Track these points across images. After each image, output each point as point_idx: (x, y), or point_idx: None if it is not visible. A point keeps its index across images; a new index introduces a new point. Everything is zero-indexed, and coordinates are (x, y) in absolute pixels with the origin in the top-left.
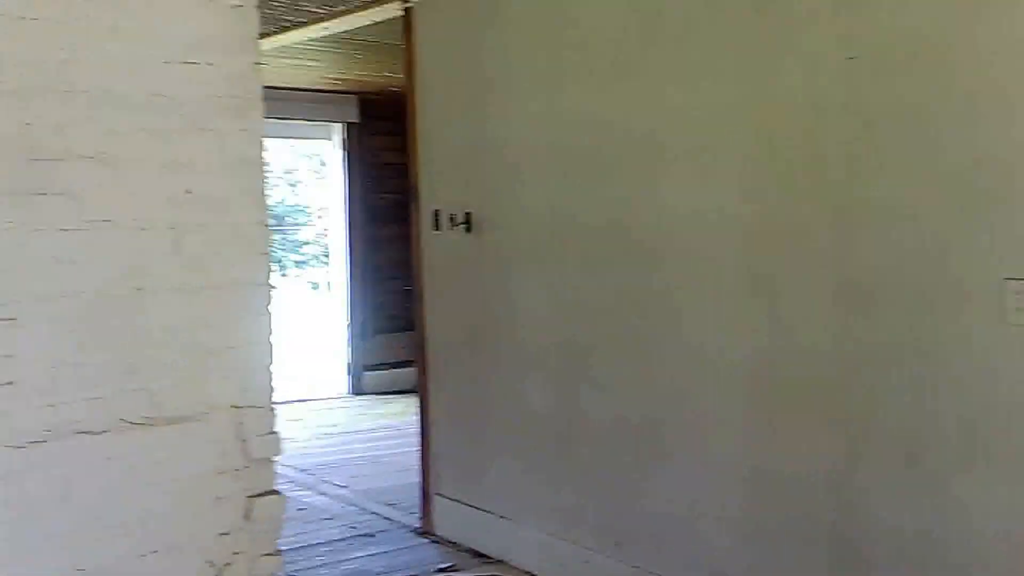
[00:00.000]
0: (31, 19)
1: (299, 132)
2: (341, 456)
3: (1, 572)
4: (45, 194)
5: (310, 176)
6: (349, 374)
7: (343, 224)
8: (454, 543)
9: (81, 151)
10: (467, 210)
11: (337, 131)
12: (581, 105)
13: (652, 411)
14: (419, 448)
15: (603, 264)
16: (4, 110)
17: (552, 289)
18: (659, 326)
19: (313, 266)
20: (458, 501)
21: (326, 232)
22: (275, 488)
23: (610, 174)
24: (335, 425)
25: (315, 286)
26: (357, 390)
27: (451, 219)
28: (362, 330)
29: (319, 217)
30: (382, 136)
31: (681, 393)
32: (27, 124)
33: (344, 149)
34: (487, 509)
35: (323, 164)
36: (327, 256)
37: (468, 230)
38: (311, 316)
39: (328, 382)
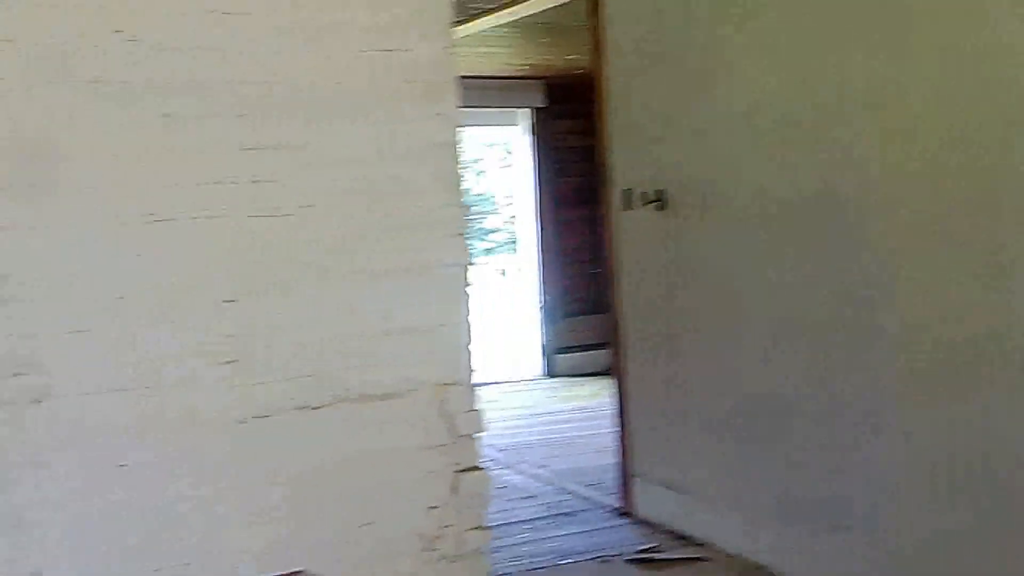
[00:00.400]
0: (239, 13)
1: (487, 120)
2: (538, 437)
3: (229, 539)
4: (258, 181)
5: (495, 165)
6: (543, 356)
7: (532, 209)
8: (655, 524)
9: (284, 140)
10: (658, 188)
11: (524, 116)
12: (778, 73)
13: (869, 389)
14: (617, 429)
15: (807, 237)
16: (218, 104)
17: (752, 263)
18: (872, 301)
19: (500, 253)
20: (658, 482)
21: (513, 219)
22: (480, 464)
23: (813, 143)
24: (530, 407)
25: (503, 272)
26: (551, 372)
27: (642, 197)
28: (552, 313)
29: (505, 204)
30: (568, 120)
31: (901, 371)
32: (240, 116)
33: (531, 134)
34: (689, 490)
35: (508, 152)
36: (514, 242)
37: (660, 208)
38: (501, 302)
39: (522, 365)
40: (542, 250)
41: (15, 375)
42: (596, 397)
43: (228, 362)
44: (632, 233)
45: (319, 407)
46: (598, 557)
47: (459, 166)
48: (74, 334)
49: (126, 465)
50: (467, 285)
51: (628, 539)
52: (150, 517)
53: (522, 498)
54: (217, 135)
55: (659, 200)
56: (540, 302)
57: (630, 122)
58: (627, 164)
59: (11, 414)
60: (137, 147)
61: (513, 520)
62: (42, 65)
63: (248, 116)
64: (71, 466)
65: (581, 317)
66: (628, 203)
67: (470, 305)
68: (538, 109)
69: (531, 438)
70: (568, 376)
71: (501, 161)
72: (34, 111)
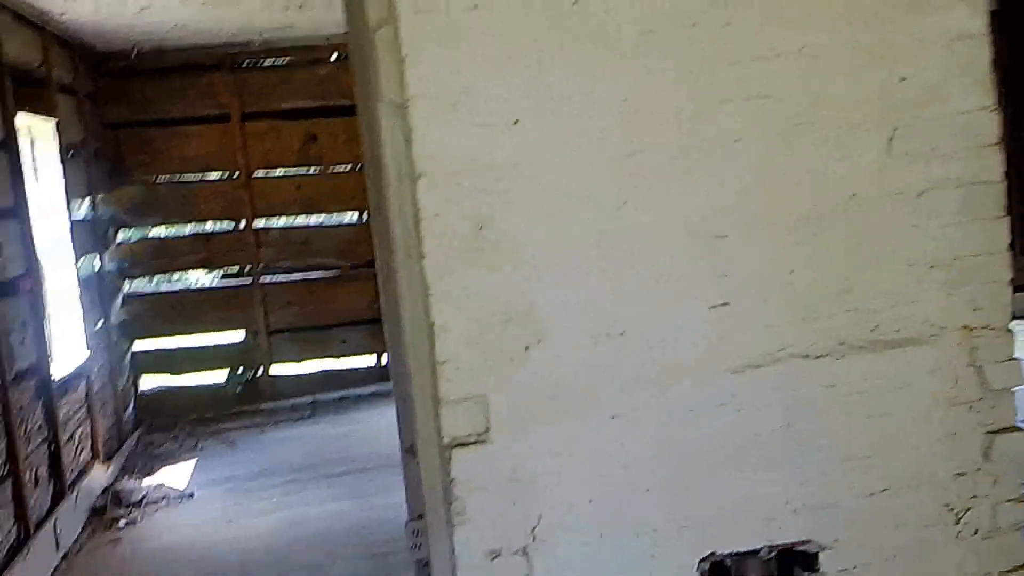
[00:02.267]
0: None
1: None
2: None
3: (728, 495)
4: (748, 98)
5: None
6: None
7: None
8: None
9: (782, 47)
10: None
11: None
12: None
13: None
14: None
15: None
16: (693, 11)
17: None
18: None
19: None
20: None
21: None
22: (1017, 424)
23: None
24: None
25: None
26: None
27: None
28: None
29: None
30: None
31: None
32: (726, 24)
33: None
34: None
35: None
36: None
37: None
38: None
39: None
40: None
41: (506, 322)
42: None
43: (719, 305)
44: None
45: (820, 356)
46: None
47: (988, 60)
48: (559, 285)
49: (617, 416)
50: (1001, 205)
51: None
52: (639, 469)
53: None
54: (701, 51)
55: None
56: None
57: None
58: None
59: (504, 363)
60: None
61: None
62: None
63: (735, 24)
64: (563, 415)
65: None
66: None
67: (1007, 230)
68: None
69: None
70: None
71: None
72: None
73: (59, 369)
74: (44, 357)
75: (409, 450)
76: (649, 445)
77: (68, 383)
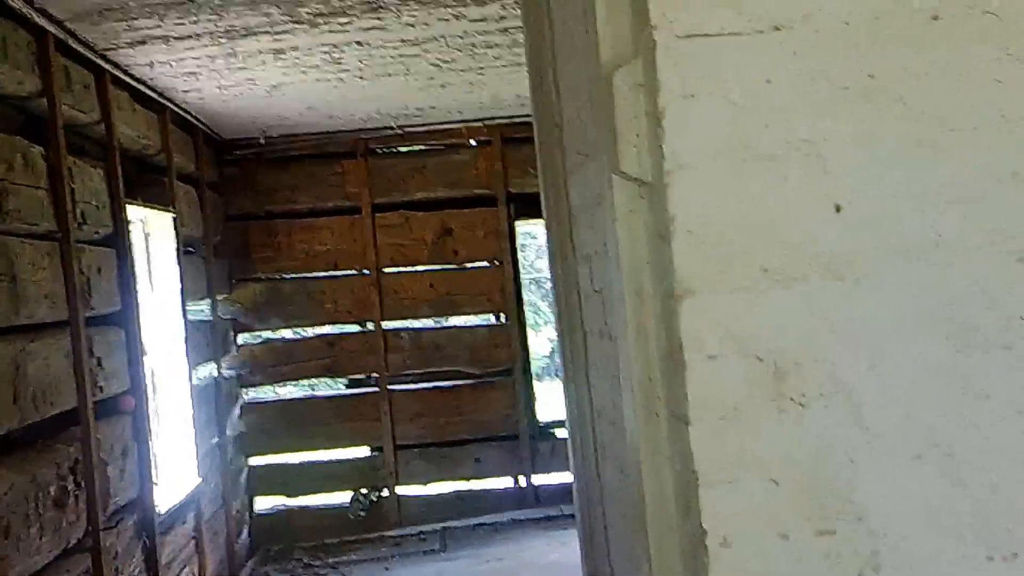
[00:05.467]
0: None
1: None
2: None
3: None
4: None
5: None
6: None
7: None
8: None
9: None
10: None
11: None
12: None
13: None
14: None
15: None
16: None
17: None
18: None
19: None
20: None
21: None
22: None
23: None
24: None
25: None
26: None
27: None
28: None
29: None
30: None
31: None
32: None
33: None
34: None
35: None
36: None
37: None
38: None
39: None
40: None
41: (822, 533)
42: None
43: None
44: None
45: None
46: None
47: None
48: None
49: None
50: None
51: None
52: None
53: None
54: None
55: None
56: None
57: None
58: None
59: None
60: None
61: None
62: None
63: None
64: None
65: None
66: None
67: None
68: None
69: None
70: None
71: None
72: None
73: (165, 499)
74: (147, 488)
75: None
76: None
77: (175, 515)
